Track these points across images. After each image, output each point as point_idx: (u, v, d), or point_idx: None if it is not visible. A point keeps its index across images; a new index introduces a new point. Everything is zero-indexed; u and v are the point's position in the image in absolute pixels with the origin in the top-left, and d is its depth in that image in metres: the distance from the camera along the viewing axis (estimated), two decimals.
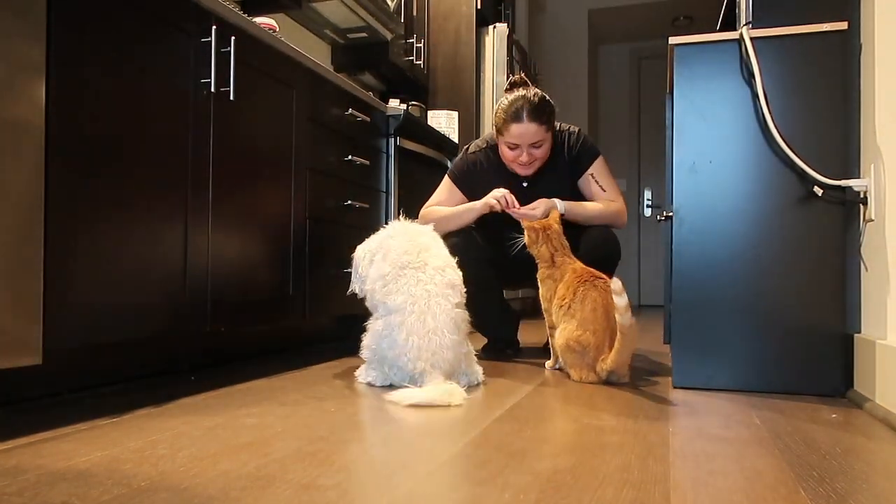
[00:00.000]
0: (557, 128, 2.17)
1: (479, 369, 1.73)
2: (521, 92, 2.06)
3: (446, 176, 2.31)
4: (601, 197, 2.16)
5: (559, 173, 2.16)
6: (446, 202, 2.26)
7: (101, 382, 1.54)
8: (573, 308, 1.78)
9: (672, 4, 5.70)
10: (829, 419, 1.36)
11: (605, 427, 1.24)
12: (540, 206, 2.03)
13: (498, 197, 2.05)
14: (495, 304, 2.26)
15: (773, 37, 1.65)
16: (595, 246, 2.06)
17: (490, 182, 2.17)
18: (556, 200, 2.06)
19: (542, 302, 1.94)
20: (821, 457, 1.07)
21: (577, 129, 2.20)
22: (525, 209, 2.03)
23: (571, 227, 2.06)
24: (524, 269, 2.20)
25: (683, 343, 1.69)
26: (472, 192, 2.22)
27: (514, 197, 2.06)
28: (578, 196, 2.18)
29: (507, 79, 3.92)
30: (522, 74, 2.21)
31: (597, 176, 2.15)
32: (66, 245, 1.28)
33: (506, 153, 2.11)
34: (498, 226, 2.16)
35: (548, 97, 2.09)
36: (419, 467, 0.96)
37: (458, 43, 3.90)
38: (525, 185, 2.18)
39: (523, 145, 2.04)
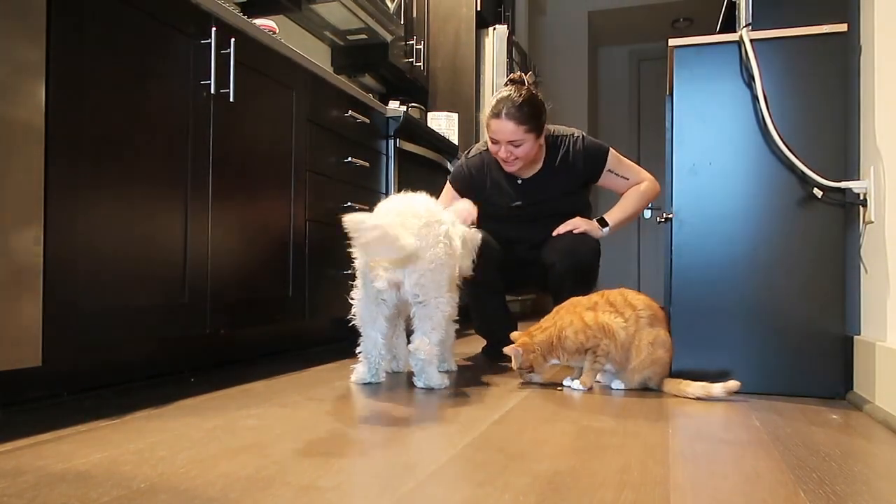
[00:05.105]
0: (553, 132, 2.17)
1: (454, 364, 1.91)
2: (510, 89, 2.08)
3: (448, 181, 2.34)
4: (626, 187, 2.20)
5: (558, 177, 2.16)
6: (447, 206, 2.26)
7: (100, 384, 1.54)
8: (657, 314, 1.68)
9: (672, 6, 5.71)
10: (829, 421, 1.36)
11: (605, 429, 1.24)
12: (581, 225, 2.09)
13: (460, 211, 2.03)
14: (498, 307, 2.27)
15: (773, 38, 1.66)
16: (564, 254, 2.06)
17: (489, 177, 2.21)
18: (597, 224, 2.13)
19: (620, 333, 1.64)
20: (820, 459, 1.07)
21: (579, 135, 2.19)
22: (563, 227, 2.09)
23: (537, 230, 2.16)
24: (530, 274, 2.21)
25: (683, 344, 1.69)
26: (472, 191, 2.22)
27: (475, 215, 2.04)
28: (572, 199, 2.20)
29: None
30: (523, 74, 2.20)
31: (614, 168, 2.19)
32: (65, 246, 1.28)
33: (490, 146, 2.15)
34: (504, 230, 2.18)
35: (536, 100, 2.05)
36: (419, 469, 0.96)
37: (458, 44, 3.90)
38: (519, 182, 2.20)
39: (502, 141, 2.06)
